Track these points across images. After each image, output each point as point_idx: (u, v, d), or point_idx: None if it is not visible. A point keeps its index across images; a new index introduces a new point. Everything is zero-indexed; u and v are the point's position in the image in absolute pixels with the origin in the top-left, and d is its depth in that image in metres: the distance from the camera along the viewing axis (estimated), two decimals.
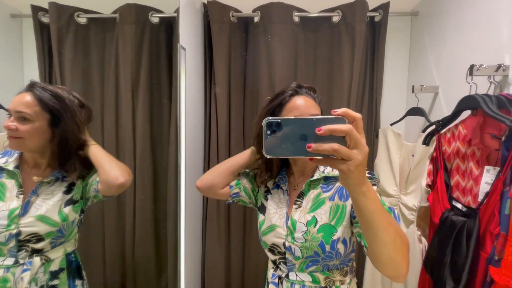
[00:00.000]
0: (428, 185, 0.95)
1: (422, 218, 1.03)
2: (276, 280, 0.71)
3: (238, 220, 1.30)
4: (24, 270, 0.72)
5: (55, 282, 0.77)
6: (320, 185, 0.71)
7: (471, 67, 0.74)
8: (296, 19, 1.24)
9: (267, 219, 0.73)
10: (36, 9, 1.14)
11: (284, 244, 0.69)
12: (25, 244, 0.72)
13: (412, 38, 1.29)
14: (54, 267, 0.77)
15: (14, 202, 0.74)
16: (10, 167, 0.77)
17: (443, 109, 1.04)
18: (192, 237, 1.20)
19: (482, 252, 0.69)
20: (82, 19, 1.20)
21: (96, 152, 0.79)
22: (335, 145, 0.39)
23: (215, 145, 1.25)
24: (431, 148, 0.95)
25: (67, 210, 0.77)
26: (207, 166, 1.28)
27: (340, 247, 0.65)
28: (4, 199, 0.74)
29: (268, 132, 0.42)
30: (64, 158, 0.79)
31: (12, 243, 0.71)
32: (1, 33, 1.13)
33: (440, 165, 0.88)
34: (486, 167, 0.74)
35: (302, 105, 0.67)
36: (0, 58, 1.12)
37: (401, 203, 1.10)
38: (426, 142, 0.94)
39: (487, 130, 0.76)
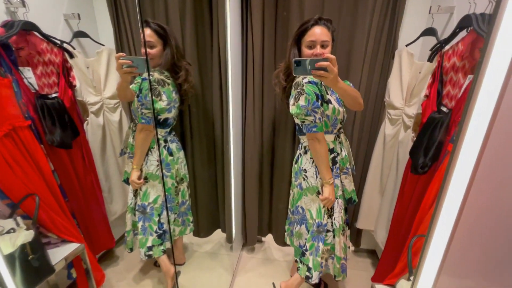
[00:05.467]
0: (426, 96, 1.16)
1: (419, 124, 1.28)
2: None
3: (269, 132, 1.64)
4: None
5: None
6: (330, 88, 1.17)
7: None
8: None
9: (335, 105, 1.14)
10: None
11: (343, 114, 1.19)
12: None
13: None
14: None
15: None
16: None
17: None
18: (235, 141, 1.57)
19: (448, 136, 0.95)
20: None
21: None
22: (322, 71, 0.90)
23: (251, 64, 1.49)
24: (434, 64, 1.13)
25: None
26: (244, 82, 1.55)
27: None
28: None
29: (295, 64, 0.91)
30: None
31: None
32: None
33: (436, 77, 1.08)
34: (468, 76, 0.94)
35: (318, 33, 1.04)
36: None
37: (404, 113, 1.34)
38: (430, 59, 1.12)
39: (478, 45, 0.93)
